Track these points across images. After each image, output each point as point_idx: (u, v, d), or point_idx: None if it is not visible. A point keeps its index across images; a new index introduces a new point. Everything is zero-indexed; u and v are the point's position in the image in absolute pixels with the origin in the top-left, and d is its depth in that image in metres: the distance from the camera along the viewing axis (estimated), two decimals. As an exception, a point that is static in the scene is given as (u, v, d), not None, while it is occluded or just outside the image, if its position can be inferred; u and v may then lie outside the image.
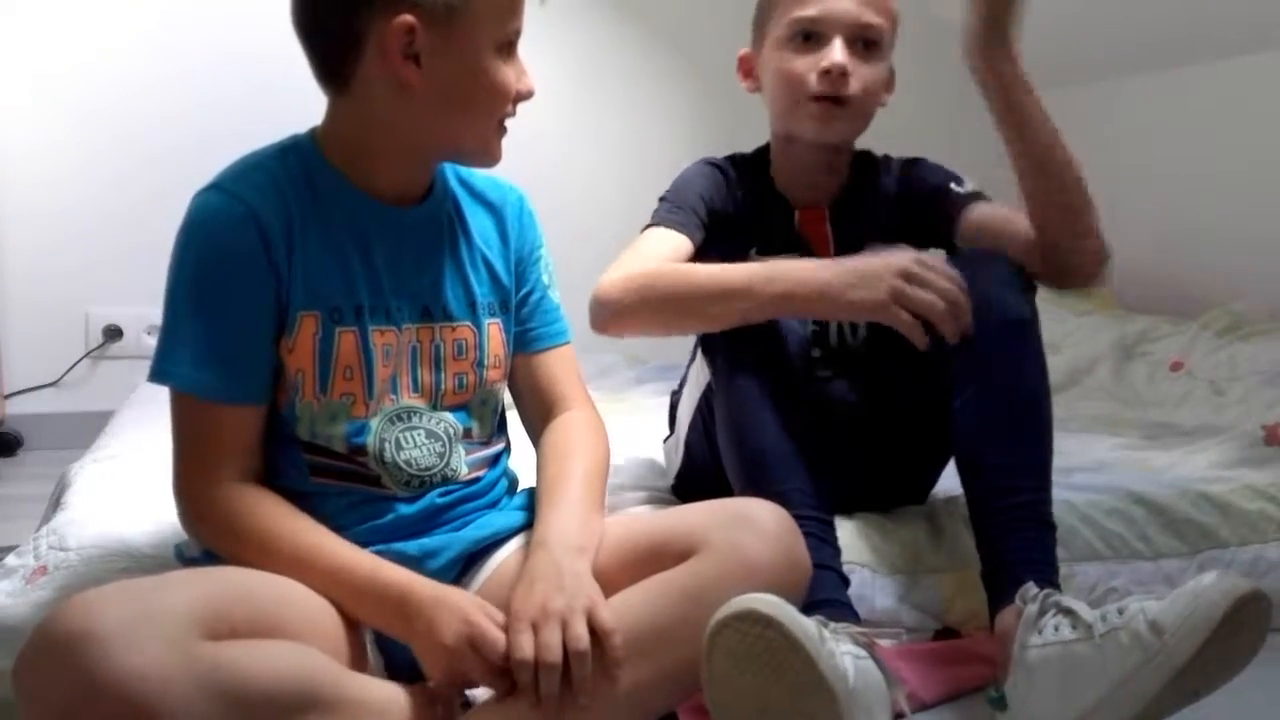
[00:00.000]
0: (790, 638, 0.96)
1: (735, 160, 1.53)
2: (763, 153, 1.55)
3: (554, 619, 0.96)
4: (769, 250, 1.45)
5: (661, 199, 1.47)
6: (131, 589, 0.88)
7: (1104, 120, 3.05)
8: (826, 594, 1.17)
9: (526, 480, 1.26)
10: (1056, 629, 1.06)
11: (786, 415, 1.25)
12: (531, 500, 1.20)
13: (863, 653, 1.06)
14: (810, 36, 1.40)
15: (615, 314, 1.30)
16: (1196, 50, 2.64)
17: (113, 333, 2.74)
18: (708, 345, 1.34)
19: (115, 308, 2.72)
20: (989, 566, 1.21)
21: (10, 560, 1.28)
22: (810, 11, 1.40)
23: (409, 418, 1.14)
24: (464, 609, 0.99)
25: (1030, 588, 1.11)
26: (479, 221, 1.22)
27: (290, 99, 1.14)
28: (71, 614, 0.82)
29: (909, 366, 1.38)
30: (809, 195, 1.50)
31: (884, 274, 1.20)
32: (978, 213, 1.42)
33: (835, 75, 1.38)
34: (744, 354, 1.27)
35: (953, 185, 1.46)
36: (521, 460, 1.28)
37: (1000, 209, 1.41)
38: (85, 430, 2.19)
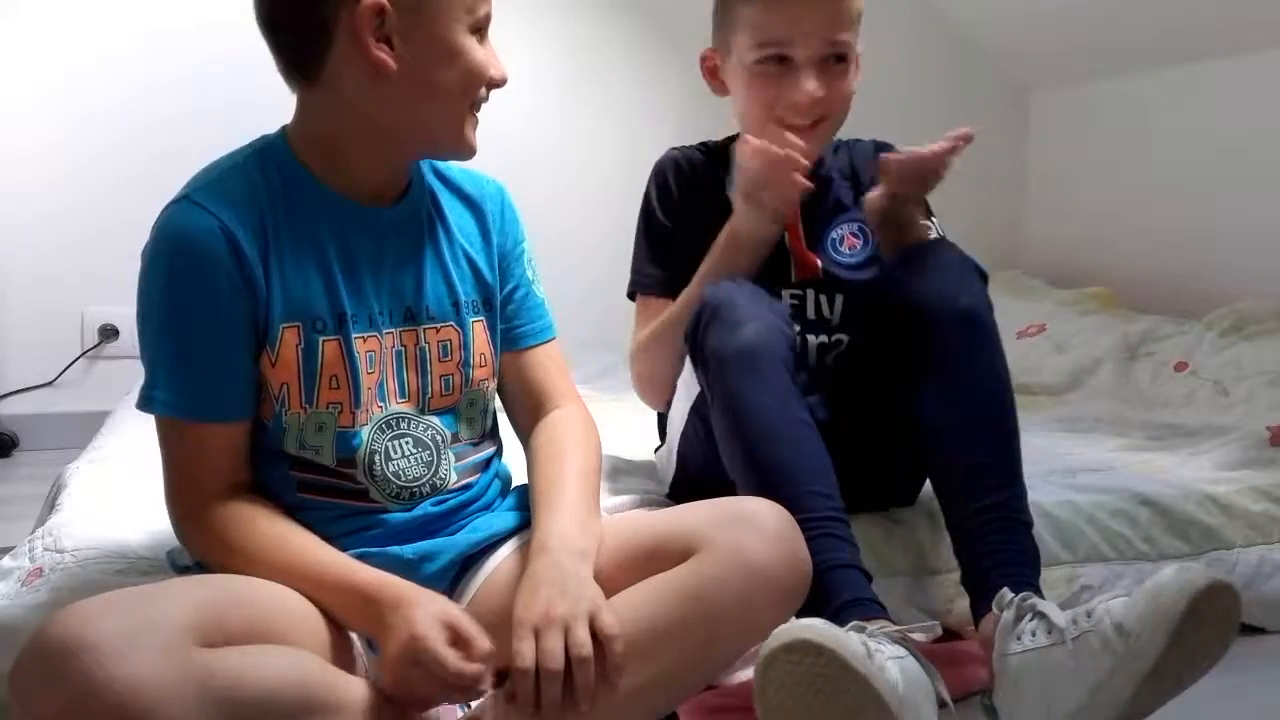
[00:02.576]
0: (842, 663, 0.96)
1: (704, 148, 1.57)
2: (734, 138, 1.55)
3: (557, 625, 0.95)
4: None
5: (637, 240, 1.55)
6: (125, 598, 0.87)
7: (1104, 120, 3.04)
8: (856, 593, 1.16)
9: (518, 477, 1.24)
10: (1034, 634, 1.06)
11: (792, 419, 1.24)
12: (524, 500, 1.18)
13: (903, 651, 1.06)
14: (781, 59, 1.39)
15: (637, 379, 1.52)
16: (1197, 49, 2.63)
17: (109, 332, 2.73)
18: (697, 357, 1.33)
19: (111, 307, 2.71)
20: (966, 571, 1.20)
21: (6, 562, 1.27)
22: (776, 35, 1.38)
23: (398, 425, 1.12)
24: (414, 623, 0.95)
25: (1005, 594, 1.10)
26: (459, 217, 1.19)
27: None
28: (66, 624, 0.81)
29: (882, 378, 1.38)
30: None
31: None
32: None
33: (806, 107, 1.39)
34: (738, 363, 1.25)
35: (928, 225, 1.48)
36: (511, 457, 1.26)
37: None
38: (81, 430, 2.18)
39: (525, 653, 0.94)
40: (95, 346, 2.73)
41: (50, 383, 2.73)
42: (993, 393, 1.23)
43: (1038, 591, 1.13)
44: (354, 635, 1.08)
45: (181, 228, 1.03)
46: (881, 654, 1.01)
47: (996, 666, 1.08)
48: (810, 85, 1.37)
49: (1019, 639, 1.06)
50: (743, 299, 1.28)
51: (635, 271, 1.54)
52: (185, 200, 1.04)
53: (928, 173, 1.32)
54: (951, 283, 1.25)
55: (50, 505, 1.54)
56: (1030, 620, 1.06)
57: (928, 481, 1.53)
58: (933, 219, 1.50)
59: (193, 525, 1.06)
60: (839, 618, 1.12)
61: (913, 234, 1.39)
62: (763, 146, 1.32)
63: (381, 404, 1.11)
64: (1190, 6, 2.53)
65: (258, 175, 1.07)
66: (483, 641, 0.96)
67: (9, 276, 2.67)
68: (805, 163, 1.33)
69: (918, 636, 1.10)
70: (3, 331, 2.69)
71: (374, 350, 1.10)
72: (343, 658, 1.04)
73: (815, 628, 0.97)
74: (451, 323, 1.15)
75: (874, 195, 1.38)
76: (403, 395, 1.13)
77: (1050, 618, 1.05)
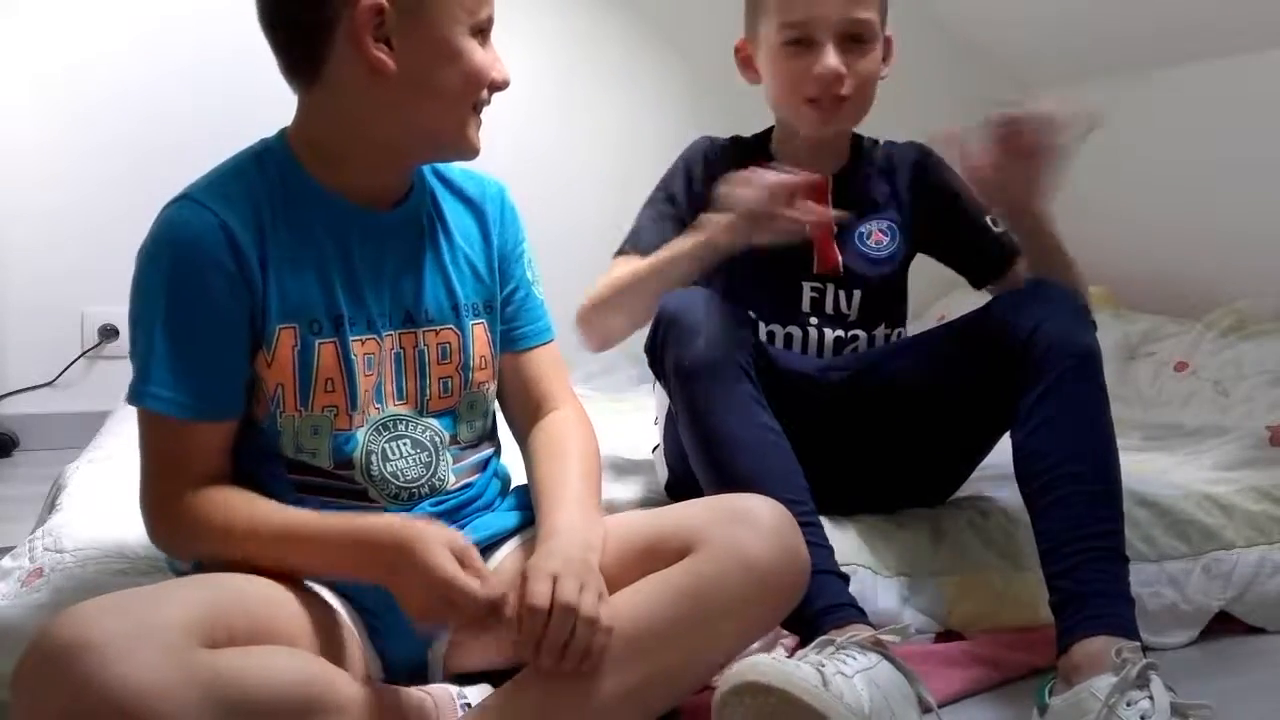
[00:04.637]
0: (793, 699, 0.97)
1: (735, 142, 1.58)
2: (765, 134, 1.58)
3: (573, 573, 0.96)
4: None
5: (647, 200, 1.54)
6: (127, 599, 0.87)
7: (1105, 119, 3.03)
8: (829, 600, 1.17)
9: (517, 478, 1.24)
10: (1143, 718, 1.04)
11: (755, 426, 1.25)
12: (525, 500, 1.18)
13: (875, 659, 1.06)
14: (801, 40, 1.42)
15: (581, 321, 1.46)
16: (1194, 49, 2.63)
17: (109, 332, 2.73)
18: (658, 370, 1.34)
19: (111, 307, 2.70)
20: (1065, 595, 1.17)
21: (6, 563, 1.27)
22: (798, 16, 1.41)
23: (395, 426, 1.12)
24: (434, 567, 0.94)
25: (1128, 650, 1.08)
26: (459, 219, 1.19)
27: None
28: (68, 625, 0.81)
29: (934, 375, 1.40)
30: (811, 169, 1.50)
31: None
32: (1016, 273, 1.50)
33: (829, 81, 1.41)
34: (697, 375, 1.26)
35: (990, 222, 1.50)
36: (509, 458, 1.26)
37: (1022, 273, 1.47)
38: (81, 430, 2.18)
39: (542, 591, 0.95)
40: (95, 346, 2.73)
41: (50, 383, 2.72)
42: (1103, 429, 1.25)
43: (1136, 630, 1.13)
44: (357, 634, 1.08)
45: (181, 224, 1.03)
46: (843, 675, 1.01)
47: (1095, 711, 1.06)
48: (832, 61, 1.40)
49: (1130, 705, 1.04)
50: (699, 309, 1.29)
51: (629, 234, 1.52)
52: (184, 199, 1.04)
53: (1033, 145, 1.27)
54: (1072, 323, 1.27)
55: (50, 505, 1.54)
56: (1144, 700, 1.05)
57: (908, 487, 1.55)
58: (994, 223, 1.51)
59: (170, 520, 1.04)
60: (814, 626, 1.14)
61: (1033, 204, 1.35)
62: (776, 185, 1.30)
63: (379, 406, 1.11)
64: (1190, 6, 2.53)
65: (257, 177, 1.06)
66: (485, 569, 0.98)
67: (9, 276, 2.67)
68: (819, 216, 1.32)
69: (890, 639, 1.10)
70: (3, 331, 2.69)
71: (372, 353, 1.10)
72: (351, 656, 1.05)
73: (762, 666, 0.98)
74: (451, 325, 1.15)
75: (980, 165, 1.30)
76: (400, 397, 1.13)
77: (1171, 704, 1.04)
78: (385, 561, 0.97)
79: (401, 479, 1.11)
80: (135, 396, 1.03)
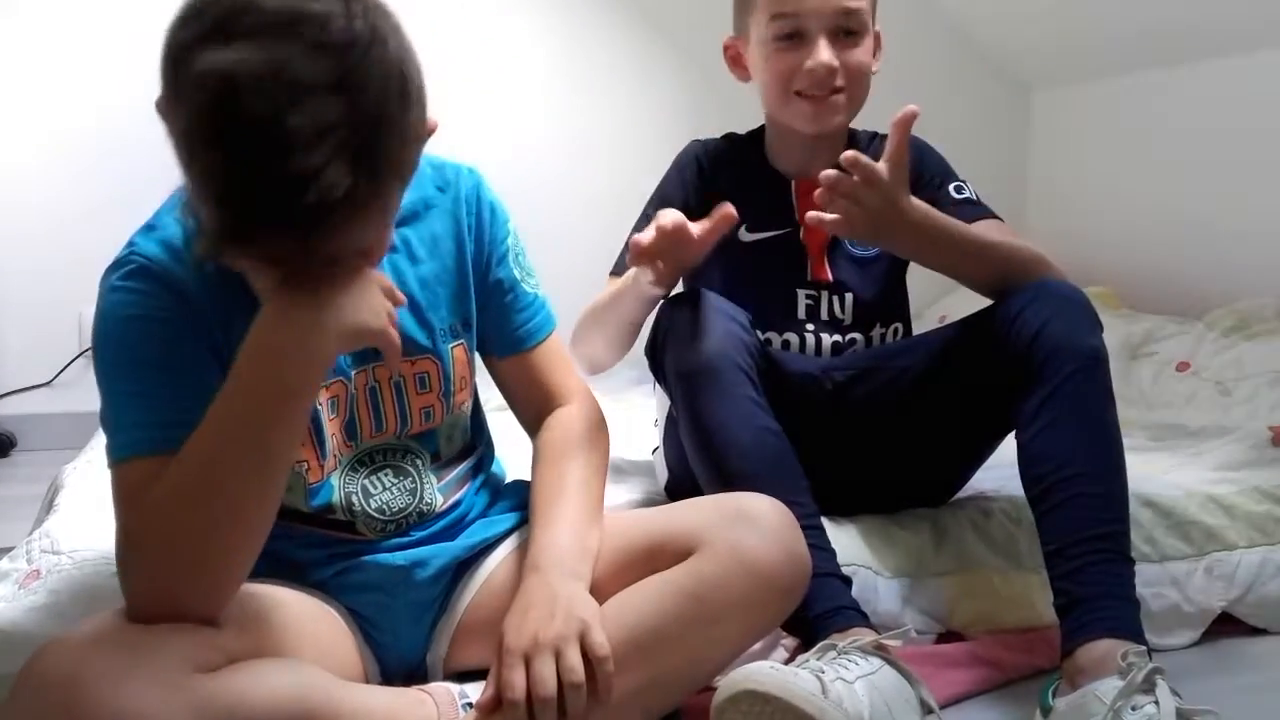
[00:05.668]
0: (791, 707, 0.96)
1: (729, 140, 1.57)
2: (758, 132, 1.57)
3: (547, 649, 0.94)
4: (761, 226, 1.49)
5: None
6: (117, 630, 0.85)
7: (1104, 119, 3.04)
8: (831, 603, 1.16)
9: (519, 473, 1.23)
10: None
11: (756, 429, 1.24)
12: (524, 496, 1.17)
13: (876, 664, 1.06)
14: (792, 34, 1.41)
15: (570, 344, 1.43)
16: (1197, 49, 2.63)
17: (108, 332, 2.73)
18: (659, 374, 1.34)
19: (110, 307, 2.70)
20: (1070, 597, 1.16)
21: (4, 564, 1.27)
22: (789, 8, 1.40)
23: (372, 460, 1.09)
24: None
25: (1134, 654, 1.07)
26: (425, 231, 1.11)
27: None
28: (59, 657, 0.81)
29: (937, 376, 1.39)
30: (804, 170, 1.51)
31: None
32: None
33: (822, 75, 1.40)
34: (697, 379, 1.26)
35: (952, 189, 1.47)
36: (512, 456, 1.26)
37: (993, 230, 1.40)
38: (79, 431, 2.18)
39: (516, 683, 0.93)
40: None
41: (48, 383, 2.72)
42: (1110, 431, 1.24)
43: (1141, 634, 1.12)
44: (353, 638, 1.08)
45: (121, 291, 1.00)
46: (843, 680, 1.01)
47: (1099, 713, 1.06)
48: (825, 55, 1.39)
49: (1134, 709, 1.04)
50: (698, 311, 1.28)
51: (621, 251, 1.49)
52: (121, 261, 1.01)
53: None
54: (1078, 324, 1.26)
55: (48, 506, 1.54)
56: (1149, 705, 1.04)
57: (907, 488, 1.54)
58: (961, 183, 1.48)
59: (140, 538, 0.90)
60: (816, 629, 1.13)
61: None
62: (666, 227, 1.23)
63: (352, 444, 1.08)
64: (1191, 6, 2.53)
65: (183, 223, 1.00)
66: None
67: (6, 277, 2.66)
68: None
69: (893, 643, 1.09)
70: (1, 331, 2.68)
71: (337, 395, 1.06)
72: (348, 661, 1.04)
73: (760, 676, 0.98)
74: (428, 354, 1.10)
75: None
76: (379, 429, 1.09)
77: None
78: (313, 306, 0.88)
79: (388, 512, 1.10)
80: (108, 452, 0.97)
